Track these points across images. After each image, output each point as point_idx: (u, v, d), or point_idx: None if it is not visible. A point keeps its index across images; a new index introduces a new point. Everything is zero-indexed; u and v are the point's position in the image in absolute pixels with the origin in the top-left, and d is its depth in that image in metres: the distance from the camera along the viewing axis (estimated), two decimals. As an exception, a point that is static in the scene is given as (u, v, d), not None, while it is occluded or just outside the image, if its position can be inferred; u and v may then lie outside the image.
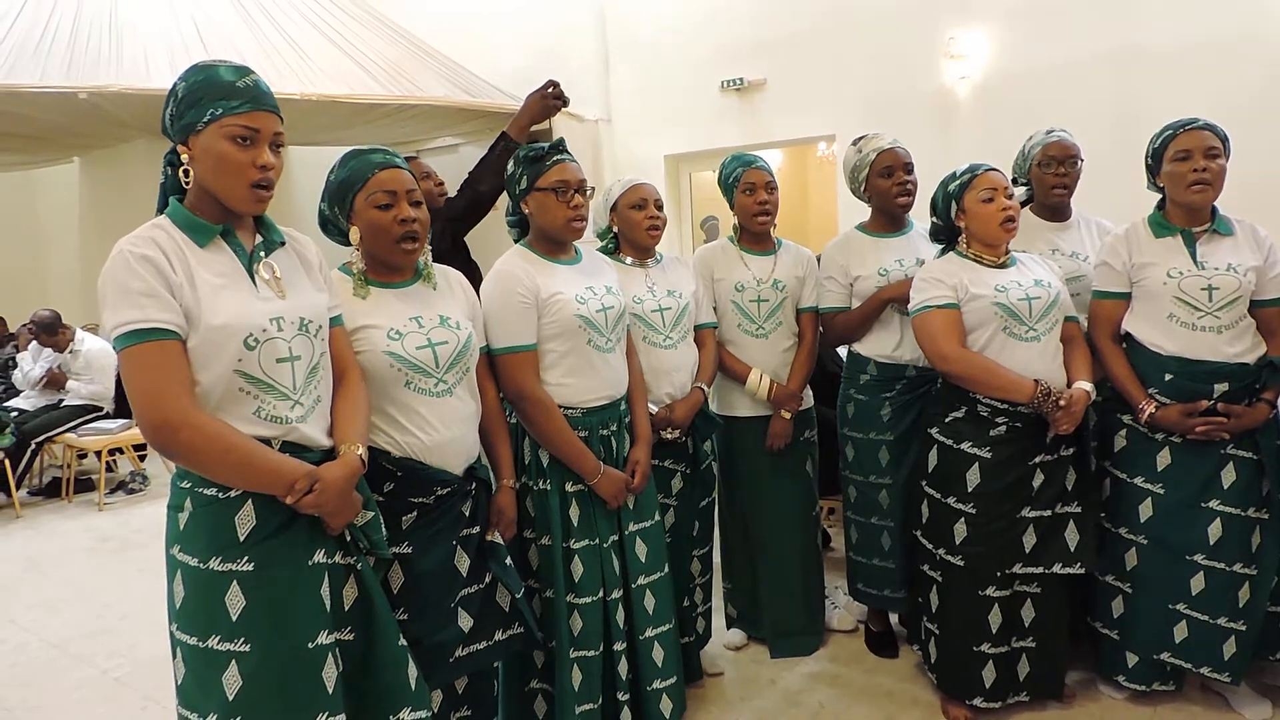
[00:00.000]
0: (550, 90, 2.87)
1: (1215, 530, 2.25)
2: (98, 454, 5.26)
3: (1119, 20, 4.80)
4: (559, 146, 2.15)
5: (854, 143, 2.71)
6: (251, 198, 1.49)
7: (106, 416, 5.58)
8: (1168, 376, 2.27)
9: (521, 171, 2.14)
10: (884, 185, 2.63)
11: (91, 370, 5.56)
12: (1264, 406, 2.23)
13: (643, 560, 2.22)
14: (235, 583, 1.45)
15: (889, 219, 2.71)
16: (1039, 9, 5.04)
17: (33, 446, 5.39)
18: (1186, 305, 2.25)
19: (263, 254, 1.55)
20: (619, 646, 2.17)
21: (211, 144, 1.45)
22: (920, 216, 2.68)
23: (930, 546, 2.39)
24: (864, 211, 2.81)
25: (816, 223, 9.04)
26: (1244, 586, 2.25)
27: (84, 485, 5.55)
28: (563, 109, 2.90)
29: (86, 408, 5.53)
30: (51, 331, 5.50)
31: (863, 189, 2.70)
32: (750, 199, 2.65)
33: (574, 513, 2.12)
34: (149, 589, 3.68)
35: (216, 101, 1.45)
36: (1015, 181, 2.67)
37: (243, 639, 1.45)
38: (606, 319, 2.14)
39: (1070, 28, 4.95)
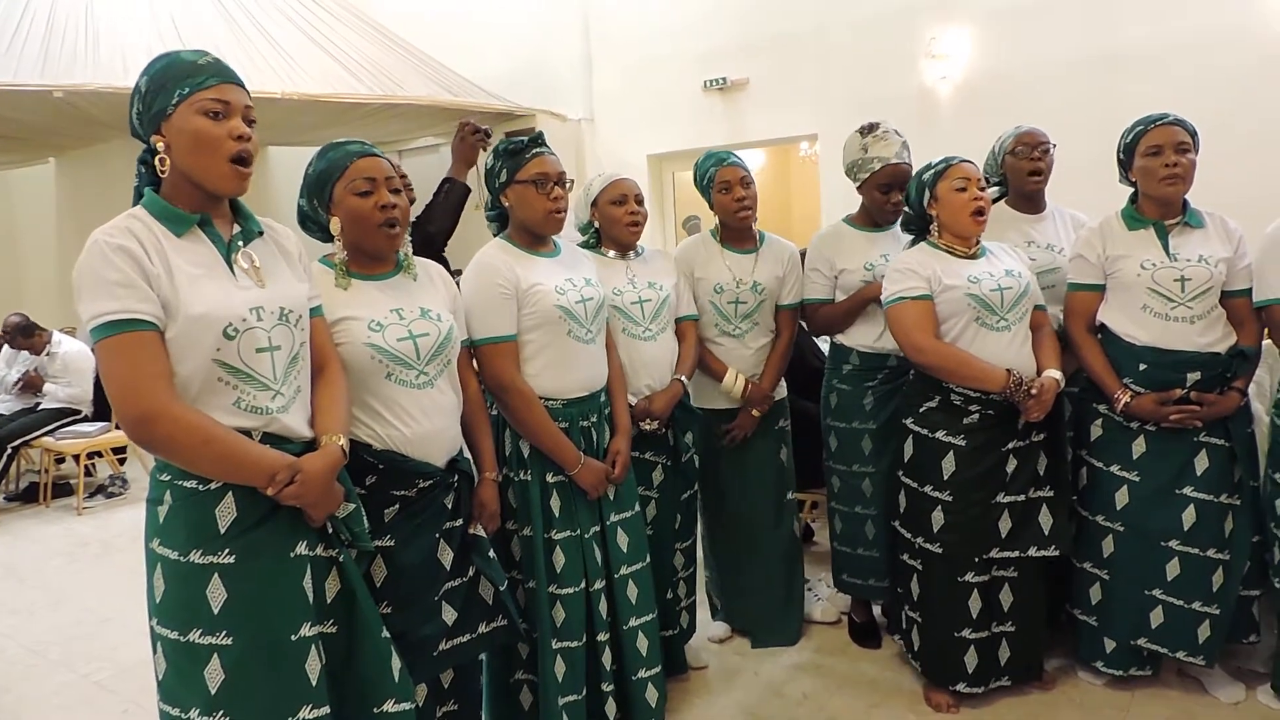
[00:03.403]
0: (468, 129, 2.79)
1: (1189, 516, 2.29)
2: (76, 458, 5.21)
3: (1098, 21, 4.86)
4: (538, 140, 2.16)
5: (862, 133, 2.64)
6: (232, 174, 1.48)
7: (85, 419, 5.51)
8: (1142, 366, 2.30)
9: (501, 165, 2.15)
10: (879, 199, 2.63)
11: (69, 373, 5.49)
12: (1235, 395, 2.27)
13: (624, 550, 2.23)
14: (216, 575, 1.44)
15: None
16: (1019, 10, 5.10)
17: (9, 451, 5.31)
18: (1160, 296, 2.28)
19: (241, 243, 1.54)
20: (602, 637, 2.18)
21: (185, 124, 1.45)
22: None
23: (909, 535, 2.41)
24: (845, 210, 2.83)
25: (800, 222, 9.09)
26: (1217, 571, 2.29)
27: (62, 490, 5.48)
28: (486, 140, 2.80)
29: (64, 411, 5.46)
30: (27, 335, 5.43)
31: (858, 186, 2.69)
32: (728, 197, 2.64)
33: (555, 503, 2.13)
34: (130, 593, 3.63)
35: (182, 82, 1.45)
36: (988, 180, 2.70)
37: (225, 632, 1.44)
38: (586, 310, 2.15)
39: (1050, 28, 5.00)
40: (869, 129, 2.64)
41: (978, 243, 2.36)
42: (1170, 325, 2.27)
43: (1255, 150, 4.28)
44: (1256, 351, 2.33)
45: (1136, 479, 2.34)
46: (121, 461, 5.73)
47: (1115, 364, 2.34)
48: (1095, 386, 2.39)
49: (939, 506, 2.32)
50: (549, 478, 2.14)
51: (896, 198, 2.60)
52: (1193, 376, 2.26)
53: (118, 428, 5.31)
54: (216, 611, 1.44)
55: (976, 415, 2.28)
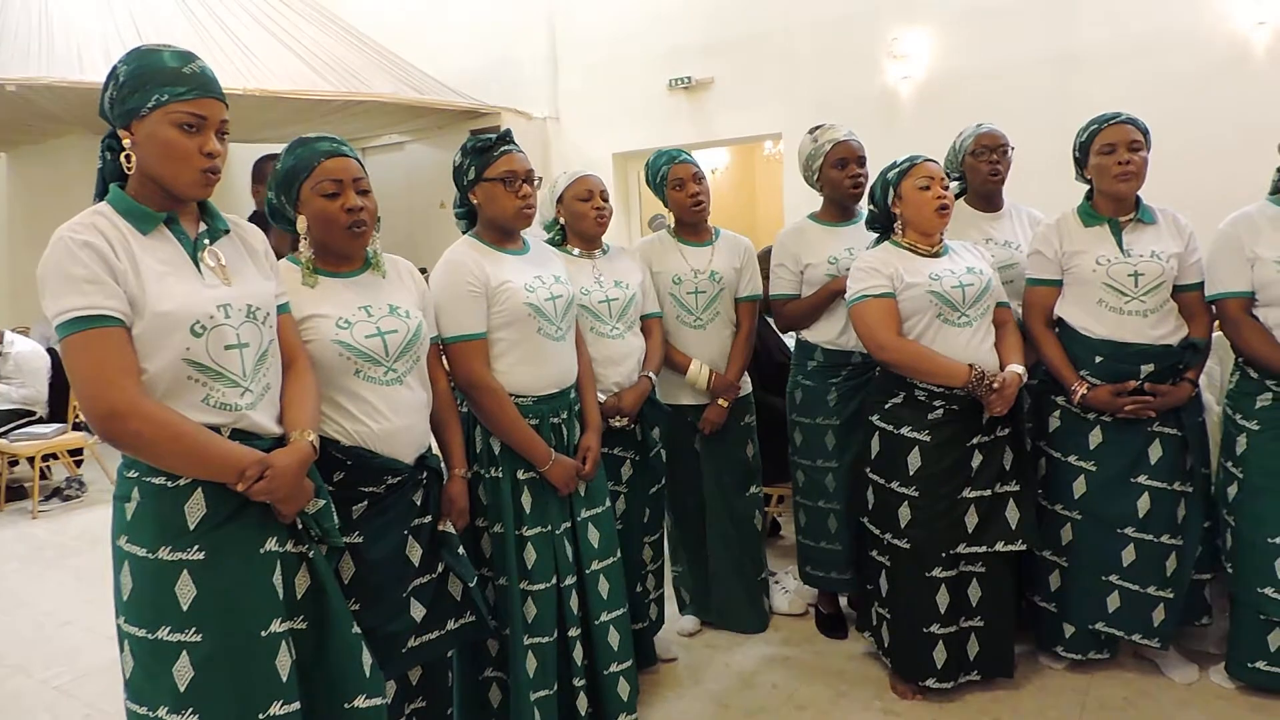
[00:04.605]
0: None
1: (1144, 504, 2.36)
2: (30, 460, 5.09)
3: (1057, 22, 4.96)
4: (506, 137, 2.16)
5: (810, 132, 2.76)
6: (200, 181, 1.47)
7: (40, 421, 5.39)
8: (1098, 359, 2.36)
9: (469, 163, 2.15)
10: (837, 176, 2.69)
11: (22, 374, 5.36)
12: (1187, 385, 2.35)
13: (595, 546, 2.24)
14: (185, 572, 1.44)
15: (840, 208, 2.77)
16: (979, 11, 5.19)
17: (-39, 454, 5.19)
18: (1114, 291, 2.35)
19: (207, 241, 1.54)
20: (573, 633, 2.19)
21: (157, 130, 1.43)
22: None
23: (878, 532, 2.44)
24: (809, 209, 2.87)
25: (764, 220, 9.17)
26: (1171, 556, 2.37)
27: (16, 493, 5.35)
28: None
29: (18, 412, 5.33)
30: (-22, 335, 5.31)
31: (816, 178, 2.76)
32: (682, 193, 2.69)
33: (526, 500, 2.14)
34: (89, 597, 3.59)
35: (162, 87, 1.43)
36: (947, 175, 2.75)
37: (194, 629, 1.44)
38: (556, 307, 2.16)
39: (1009, 29, 5.10)
40: (815, 128, 2.76)
41: (941, 240, 2.40)
42: (1124, 319, 2.34)
43: (1208, 150, 4.39)
44: (1207, 343, 2.40)
45: (1093, 468, 2.40)
46: (78, 464, 5.62)
47: (1072, 357, 2.40)
48: (1053, 379, 2.45)
49: (906, 502, 2.35)
50: (520, 474, 2.14)
51: (853, 170, 2.68)
52: (1146, 368, 2.32)
53: (76, 428, 5.22)
54: (185, 608, 1.43)
55: (941, 410, 2.32)
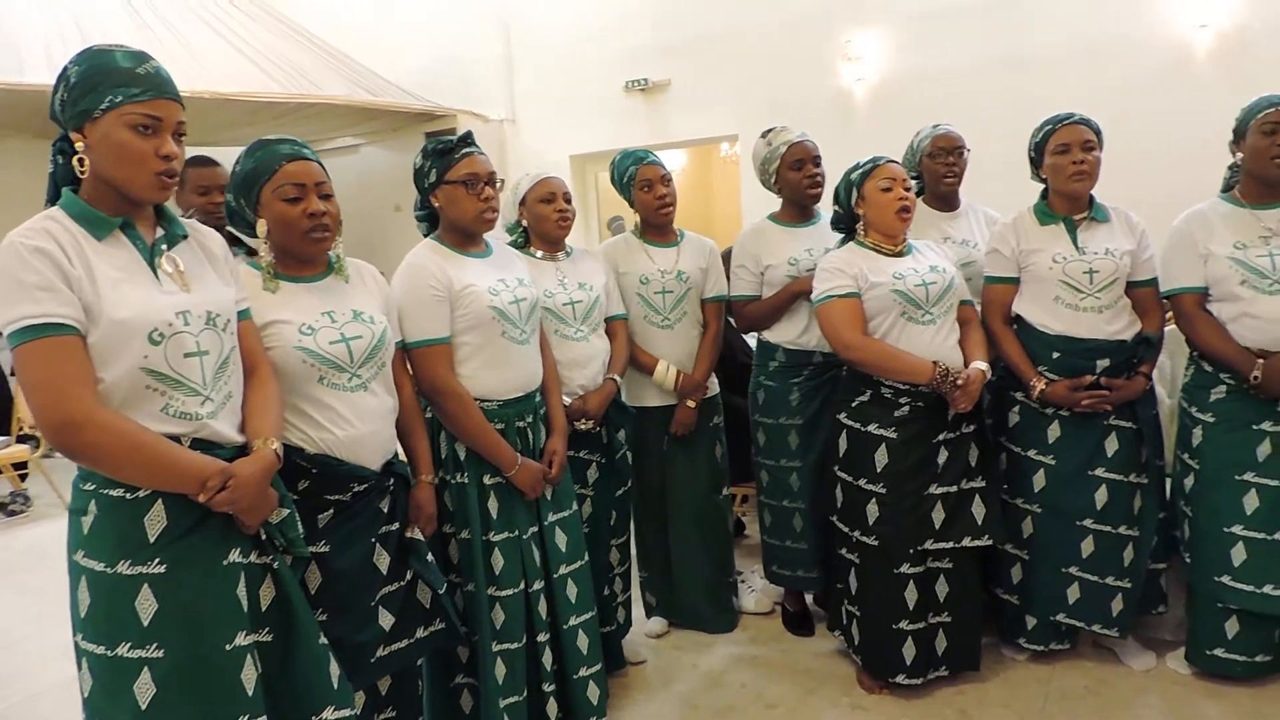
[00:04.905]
0: None
1: (1101, 496, 2.41)
2: (-27, 475, 4.93)
3: (1007, 25, 5.06)
4: (467, 140, 2.14)
5: (763, 135, 2.77)
6: (156, 185, 1.44)
7: (-18, 434, 5.22)
8: (1055, 355, 2.41)
9: (430, 165, 2.13)
10: (794, 177, 2.71)
11: (-37, 386, 5.20)
12: (1141, 379, 2.40)
13: (563, 550, 2.23)
14: (146, 586, 1.40)
15: (799, 209, 2.79)
16: (931, 14, 5.27)
17: (-102, 470, 4.99)
18: (1070, 288, 2.39)
19: (164, 247, 1.50)
20: (542, 638, 2.18)
21: (111, 132, 1.40)
22: (828, 208, 2.76)
23: (846, 530, 2.46)
24: (766, 210, 2.89)
25: (721, 222, 9.21)
26: (1128, 547, 2.42)
27: (-42, 509, 5.17)
28: None
29: (-41, 426, 5.16)
30: (-83, 346, 5.11)
31: (773, 181, 2.77)
32: (649, 195, 2.69)
33: (493, 505, 2.12)
34: (38, 615, 3.46)
35: (115, 88, 1.39)
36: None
37: (155, 644, 1.40)
38: (520, 311, 2.15)
39: (961, 32, 5.19)
40: (767, 131, 2.77)
41: (905, 240, 2.43)
42: (1080, 315, 2.39)
43: (1156, 152, 4.49)
44: (1159, 338, 2.47)
45: (1053, 462, 2.44)
46: (23, 478, 5.44)
47: (1031, 353, 2.44)
48: (1012, 375, 2.49)
49: (873, 499, 2.36)
50: (486, 480, 2.12)
51: (810, 170, 2.69)
52: (1102, 363, 2.37)
53: (19, 441, 5.05)
54: (146, 623, 1.40)
55: (907, 408, 2.34)
